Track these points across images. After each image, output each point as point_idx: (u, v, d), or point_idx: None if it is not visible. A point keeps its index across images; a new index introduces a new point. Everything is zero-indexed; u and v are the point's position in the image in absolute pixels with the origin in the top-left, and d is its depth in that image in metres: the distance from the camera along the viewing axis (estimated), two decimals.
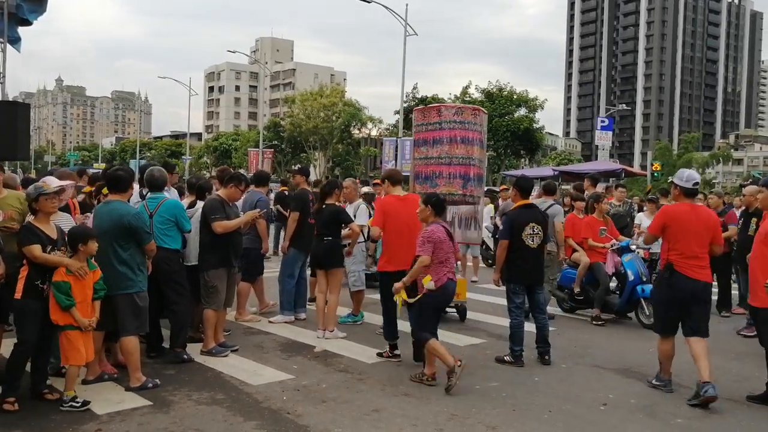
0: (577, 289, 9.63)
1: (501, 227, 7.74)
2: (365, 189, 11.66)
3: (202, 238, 6.99)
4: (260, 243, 8.67)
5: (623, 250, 9.56)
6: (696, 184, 6.27)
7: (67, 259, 5.29)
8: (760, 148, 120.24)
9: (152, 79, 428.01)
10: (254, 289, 9.10)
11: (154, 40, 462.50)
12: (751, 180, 25.36)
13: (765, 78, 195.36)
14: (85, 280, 5.34)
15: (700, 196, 12.98)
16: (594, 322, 9.32)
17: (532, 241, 7.10)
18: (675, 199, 6.39)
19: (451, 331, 8.48)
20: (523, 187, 7.45)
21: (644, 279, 9.22)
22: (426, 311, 6.23)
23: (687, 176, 6.27)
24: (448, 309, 8.45)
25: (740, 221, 9.44)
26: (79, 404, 5.26)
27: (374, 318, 8.48)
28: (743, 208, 9.50)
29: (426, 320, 6.24)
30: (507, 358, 7.11)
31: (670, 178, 7.76)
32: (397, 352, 7.12)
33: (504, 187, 15.41)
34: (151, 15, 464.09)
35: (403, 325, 8.56)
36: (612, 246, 9.49)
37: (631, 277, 9.16)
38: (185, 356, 6.66)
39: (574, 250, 9.72)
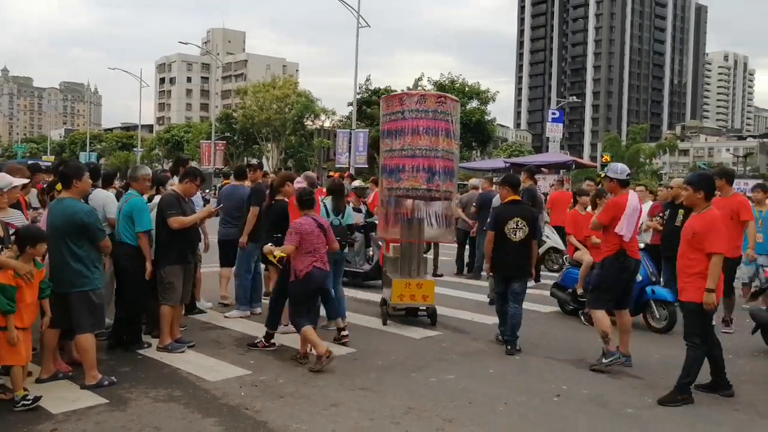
0: (580, 290, 9.02)
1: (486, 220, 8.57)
2: (356, 183, 11.75)
3: (158, 234, 6.92)
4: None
5: None
6: (629, 175, 7.16)
7: (14, 262, 5.16)
8: (705, 139, 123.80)
9: (102, 70, 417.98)
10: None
11: (103, 29, 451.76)
12: (699, 170, 26.04)
13: (709, 71, 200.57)
14: (33, 282, 5.25)
15: (640, 187, 13.56)
16: (585, 322, 8.75)
17: (515, 234, 7.40)
18: (612, 191, 7.05)
19: (406, 323, 8.59)
20: (513, 183, 7.80)
21: (653, 279, 8.79)
22: (297, 300, 6.72)
23: (620, 169, 7.05)
24: (419, 312, 8.64)
25: (667, 212, 9.59)
26: (30, 401, 5.16)
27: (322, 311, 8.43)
28: (670, 199, 9.77)
29: (298, 308, 6.69)
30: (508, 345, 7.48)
31: (602, 172, 8.10)
32: (273, 341, 7.26)
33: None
34: (101, 4, 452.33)
35: (368, 321, 8.68)
36: None
37: (639, 278, 8.17)
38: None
39: (576, 249, 9.40)
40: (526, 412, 5.47)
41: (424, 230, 8.62)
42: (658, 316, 8.67)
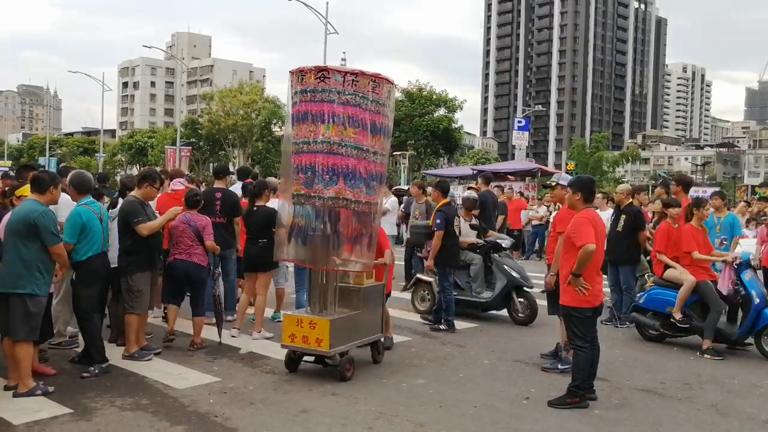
0: (678, 315, 8.02)
1: (436, 221, 8.54)
2: (467, 193, 11.68)
3: (123, 242, 6.78)
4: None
5: (743, 266, 7.97)
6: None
7: None
8: (665, 148, 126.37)
9: (61, 74, 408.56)
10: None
11: (60, 33, 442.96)
12: (661, 179, 26.58)
13: (669, 82, 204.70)
14: None
15: (599, 195, 13.44)
16: (706, 356, 7.75)
17: (459, 231, 8.70)
18: (569, 200, 6.61)
19: None
20: (444, 188, 8.99)
21: None
22: (165, 282, 7.47)
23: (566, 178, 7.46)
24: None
25: (612, 217, 9.87)
26: None
27: None
28: (616, 205, 10.04)
29: (166, 289, 7.51)
30: (442, 327, 8.57)
31: (553, 181, 8.09)
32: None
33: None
34: (57, 6, 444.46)
35: None
36: (733, 260, 7.95)
37: (756, 300, 7.62)
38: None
39: (665, 267, 8.39)
40: (496, 415, 5.51)
41: (332, 253, 6.29)
42: None
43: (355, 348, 6.63)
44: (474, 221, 9.90)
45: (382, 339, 7.13)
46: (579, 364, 5.87)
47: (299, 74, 6.07)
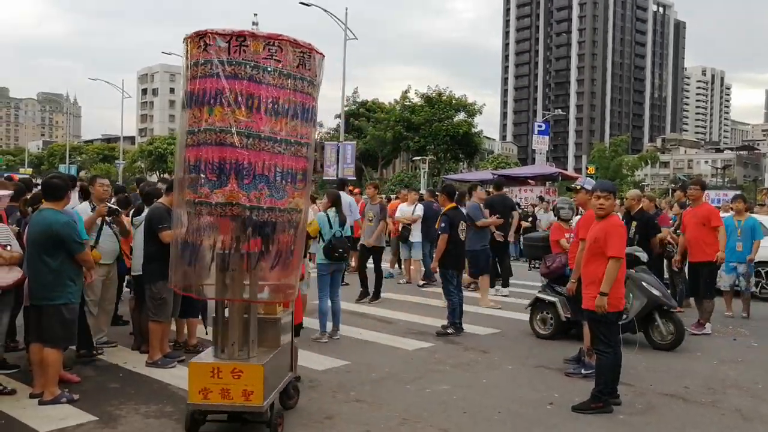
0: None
1: (441, 225, 8.75)
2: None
3: (147, 249, 6.82)
4: None
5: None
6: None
7: None
8: (685, 151, 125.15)
9: (80, 80, 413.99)
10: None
11: (79, 40, 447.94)
12: (681, 182, 26.33)
13: (688, 85, 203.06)
14: None
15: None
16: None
17: (463, 235, 8.85)
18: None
19: (399, 335, 8.59)
20: (450, 192, 9.09)
21: None
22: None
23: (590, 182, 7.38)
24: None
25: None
26: None
27: (315, 323, 8.41)
28: (626, 210, 9.97)
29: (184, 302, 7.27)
30: (450, 330, 8.60)
31: (578, 185, 8.00)
32: None
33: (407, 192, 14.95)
34: (73, 12, 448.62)
35: (361, 334, 8.64)
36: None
37: None
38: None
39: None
40: (520, 421, 5.47)
41: (247, 279, 4.87)
42: None
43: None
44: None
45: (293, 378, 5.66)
46: (602, 368, 5.81)
47: (187, 44, 4.60)
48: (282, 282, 4.95)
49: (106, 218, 7.19)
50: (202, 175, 4.44)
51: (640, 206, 9.78)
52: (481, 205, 11.18)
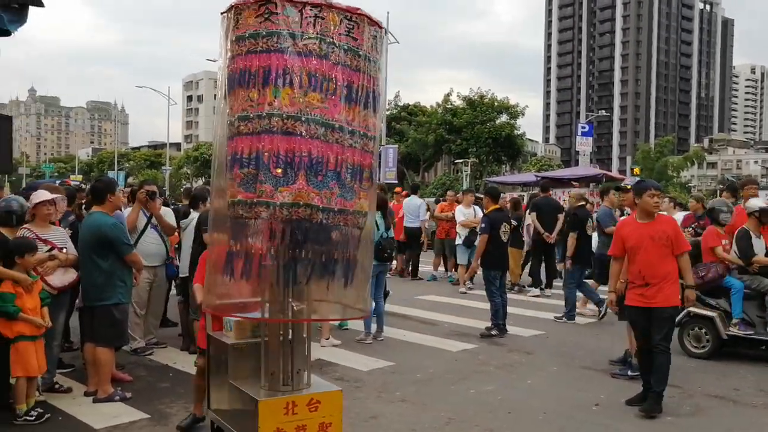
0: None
1: (481, 226, 9.02)
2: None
3: (194, 251, 6.96)
4: None
5: None
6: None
7: (10, 272, 5.19)
8: (734, 152, 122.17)
9: (127, 88, 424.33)
10: None
11: (125, 48, 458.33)
12: (728, 183, 25.80)
13: (736, 83, 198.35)
14: (33, 291, 5.29)
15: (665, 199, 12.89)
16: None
17: (505, 237, 8.89)
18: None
19: (443, 336, 8.61)
20: (494, 195, 9.27)
21: None
22: None
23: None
24: None
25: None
26: (34, 417, 5.17)
27: (359, 324, 8.48)
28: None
29: None
30: (493, 332, 8.66)
31: (627, 184, 7.96)
32: None
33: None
34: (122, 21, 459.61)
35: (405, 335, 8.69)
36: None
37: None
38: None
39: None
40: (566, 422, 5.45)
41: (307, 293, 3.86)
42: None
43: None
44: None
45: None
46: (666, 366, 5.74)
47: (235, 13, 3.66)
48: (357, 295, 3.92)
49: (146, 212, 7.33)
50: (261, 170, 3.52)
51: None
52: (614, 210, 10.33)
